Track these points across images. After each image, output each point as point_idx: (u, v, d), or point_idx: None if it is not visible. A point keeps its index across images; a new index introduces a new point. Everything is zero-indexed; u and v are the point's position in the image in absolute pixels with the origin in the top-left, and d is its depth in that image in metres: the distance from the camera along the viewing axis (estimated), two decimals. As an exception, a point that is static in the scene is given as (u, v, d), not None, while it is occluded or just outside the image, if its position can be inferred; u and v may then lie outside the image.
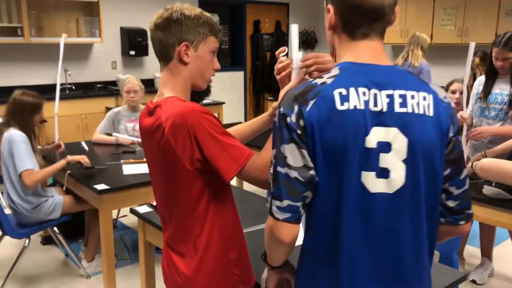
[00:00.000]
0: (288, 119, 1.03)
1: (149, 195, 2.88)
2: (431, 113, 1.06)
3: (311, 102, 1.01)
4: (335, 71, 1.06)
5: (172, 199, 1.41)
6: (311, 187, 1.04)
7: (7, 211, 3.12)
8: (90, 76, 6.30)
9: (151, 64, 6.81)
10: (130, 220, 4.26)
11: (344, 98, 1.01)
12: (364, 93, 1.02)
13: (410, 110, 1.04)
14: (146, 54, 6.55)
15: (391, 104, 1.03)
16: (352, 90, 1.02)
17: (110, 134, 3.86)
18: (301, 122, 1.01)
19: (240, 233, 1.49)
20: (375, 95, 1.02)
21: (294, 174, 1.03)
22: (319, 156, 1.02)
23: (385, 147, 1.02)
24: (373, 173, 1.03)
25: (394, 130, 1.03)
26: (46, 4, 5.75)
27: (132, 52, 6.39)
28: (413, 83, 1.07)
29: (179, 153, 1.30)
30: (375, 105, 1.02)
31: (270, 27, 8.28)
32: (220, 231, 1.40)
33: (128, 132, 3.89)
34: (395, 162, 1.03)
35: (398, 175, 1.04)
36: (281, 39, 8.35)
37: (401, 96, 1.04)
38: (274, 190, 1.06)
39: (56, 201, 3.13)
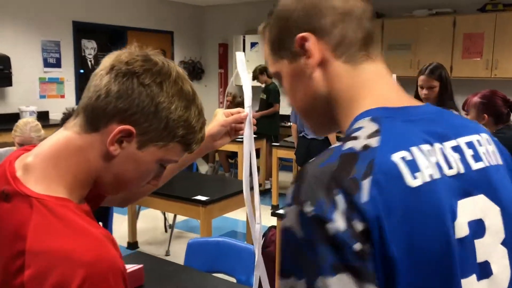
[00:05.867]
0: (330, 226, 0.56)
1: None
2: (500, 160, 0.73)
3: (366, 183, 0.58)
4: (370, 126, 0.65)
5: None
6: None
7: None
8: None
9: (16, 96, 5.82)
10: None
11: (413, 167, 0.61)
12: (429, 152, 0.64)
13: (487, 164, 0.70)
14: (10, 84, 5.57)
15: (463, 160, 0.67)
16: (415, 151, 0.63)
17: None
18: (359, 226, 0.56)
19: None
20: (442, 150, 0.65)
21: None
22: (402, 277, 0.57)
23: (479, 228, 0.65)
24: (473, 277, 0.63)
25: (481, 199, 0.66)
26: None
27: (-9, 82, 5.38)
28: (467, 124, 0.74)
29: None
30: (450, 166, 0.65)
31: (154, 56, 7.73)
32: None
33: None
34: (494, 248, 0.66)
35: (502, 267, 0.66)
36: (167, 69, 7.84)
37: (468, 145, 0.69)
38: None
39: None
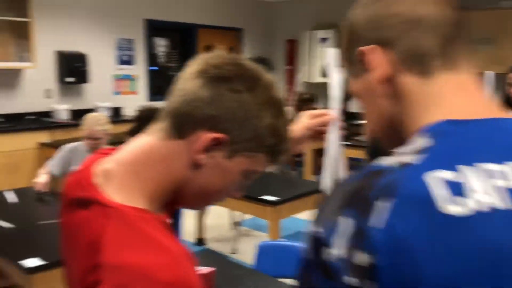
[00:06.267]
0: (326, 251, 0.50)
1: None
2: None
3: (383, 206, 0.48)
4: (422, 141, 0.54)
5: None
6: None
7: None
8: (19, 106, 5.45)
9: (92, 93, 6.06)
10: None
11: (457, 190, 0.48)
12: (497, 174, 0.49)
13: None
14: (86, 81, 5.81)
15: None
16: (468, 171, 0.49)
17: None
18: (361, 257, 0.48)
19: None
20: None
21: None
22: None
23: None
24: None
25: None
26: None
27: (70, 79, 5.62)
28: None
29: None
30: None
31: (222, 53, 7.77)
32: None
33: None
34: None
35: None
36: (235, 66, 7.86)
37: None
38: None
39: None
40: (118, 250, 0.64)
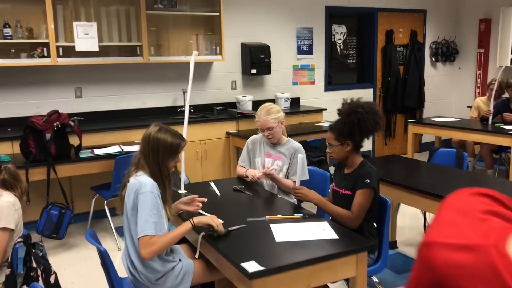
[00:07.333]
0: None
1: (312, 277, 2.06)
2: None
3: None
4: None
5: None
6: None
7: (124, 274, 2.49)
8: (209, 98, 5.74)
9: (272, 83, 6.10)
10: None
11: None
12: None
13: None
14: (268, 72, 5.85)
15: None
16: None
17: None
18: None
19: None
20: None
21: None
22: None
23: None
24: None
25: None
26: (166, 20, 5.30)
27: (254, 71, 5.72)
28: None
29: None
30: None
31: (404, 37, 7.20)
32: None
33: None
34: None
35: None
36: (417, 50, 7.23)
37: None
38: None
39: (185, 267, 2.42)
40: None
